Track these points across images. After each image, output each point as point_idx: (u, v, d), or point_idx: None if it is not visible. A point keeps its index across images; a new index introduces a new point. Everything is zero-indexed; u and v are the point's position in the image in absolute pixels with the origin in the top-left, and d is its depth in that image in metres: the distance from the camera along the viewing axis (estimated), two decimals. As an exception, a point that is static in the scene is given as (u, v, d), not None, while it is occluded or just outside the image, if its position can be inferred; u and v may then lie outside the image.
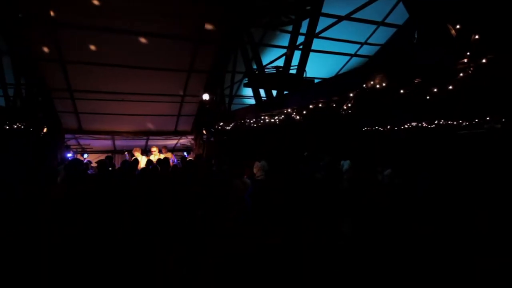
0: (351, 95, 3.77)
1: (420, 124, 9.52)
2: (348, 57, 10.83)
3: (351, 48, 10.59)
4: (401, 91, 3.24)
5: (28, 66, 8.31)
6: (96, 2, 7.15)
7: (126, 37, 8.21)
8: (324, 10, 7.36)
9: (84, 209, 4.25)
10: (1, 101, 8.06)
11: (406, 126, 10.01)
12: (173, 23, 8.08)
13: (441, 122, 8.53)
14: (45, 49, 8.10)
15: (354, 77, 3.70)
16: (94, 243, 3.50)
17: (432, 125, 8.67)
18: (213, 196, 5.12)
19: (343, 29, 9.24)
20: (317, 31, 7.20)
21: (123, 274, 3.20)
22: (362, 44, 10.34)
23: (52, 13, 7.17)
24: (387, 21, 9.46)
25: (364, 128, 11.62)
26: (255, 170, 8.32)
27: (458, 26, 2.49)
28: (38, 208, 3.87)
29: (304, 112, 5.03)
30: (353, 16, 8.02)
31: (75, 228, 3.73)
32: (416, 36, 2.96)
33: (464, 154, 8.67)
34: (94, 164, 10.92)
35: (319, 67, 10.83)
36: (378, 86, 3.22)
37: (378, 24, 9.54)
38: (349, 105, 3.89)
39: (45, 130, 8.46)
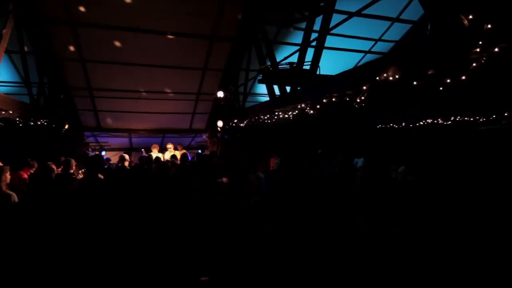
0: (364, 88, 3.82)
1: (435, 121, 9.41)
2: (362, 54, 10.80)
3: (365, 45, 10.56)
4: (414, 82, 3.28)
5: (51, 66, 8.63)
6: (114, 5, 7.40)
7: (143, 36, 8.42)
8: (338, 7, 7.43)
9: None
10: (26, 98, 8.42)
11: (421, 123, 9.91)
12: (188, 21, 8.25)
13: (457, 119, 8.41)
14: (67, 49, 8.40)
15: (368, 71, 3.74)
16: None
17: (448, 121, 8.56)
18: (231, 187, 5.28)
19: (357, 26, 9.25)
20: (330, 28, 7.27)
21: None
22: (376, 41, 10.30)
23: (73, 14, 7.45)
24: (401, 17, 9.40)
25: (378, 125, 11.56)
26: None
27: (470, 17, 2.53)
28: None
29: (318, 106, 5.10)
30: (367, 12, 8.07)
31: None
32: (429, 28, 2.99)
33: (481, 151, 8.54)
34: (112, 161, 11.27)
35: (333, 64, 10.82)
36: (391, 78, 3.26)
37: (393, 20, 9.48)
38: (362, 98, 3.94)
39: (66, 126, 8.77)
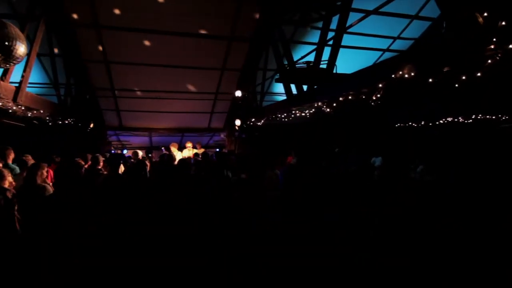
0: (380, 85, 3.87)
1: (456, 119, 9.26)
2: (380, 52, 10.73)
3: (383, 43, 10.49)
4: (430, 80, 3.31)
5: (77, 67, 9.04)
6: (136, 8, 7.69)
7: (163, 38, 8.70)
8: (355, 6, 7.44)
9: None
10: (54, 99, 8.87)
11: (441, 121, 9.77)
12: (207, 23, 8.47)
13: (479, 117, 8.26)
14: (92, 51, 8.79)
15: (383, 69, 3.77)
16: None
17: (469, 119, 8.41)
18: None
19: (375, 24, 9.22)
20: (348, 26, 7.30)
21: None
22: (394, 38, 10.21)
23: (97, 17, 7.79)
24: (421, 14, 9.30)
25: (396, 124, 11.44)
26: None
27: (485, 14, 2.56)
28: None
29: (334, 104, 5.16)
30: (384, 10, 8.05)
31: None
32: (444, 26, 3.02)
33: (504, 149, 8.35)
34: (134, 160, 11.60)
35: (351, 63, 10.79)
36: (406, 76, 3.31)
37: (412, 18, 9.39)
38: (378, 95, 3.99)
39: (91, 125, 9.16)
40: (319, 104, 5.55)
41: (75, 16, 7.74)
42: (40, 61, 9.07)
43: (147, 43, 8.83)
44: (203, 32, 8.69)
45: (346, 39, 8.82)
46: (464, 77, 3.18)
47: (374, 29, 9.54)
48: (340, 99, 4.85)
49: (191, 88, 10.82)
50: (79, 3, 7.37)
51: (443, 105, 8.00)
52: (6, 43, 4.60)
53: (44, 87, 9.83)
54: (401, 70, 3.38)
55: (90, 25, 7.99)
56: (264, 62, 9.79)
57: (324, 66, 6.30)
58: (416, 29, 10.05)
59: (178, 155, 10.12)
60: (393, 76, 3.47)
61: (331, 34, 7.11)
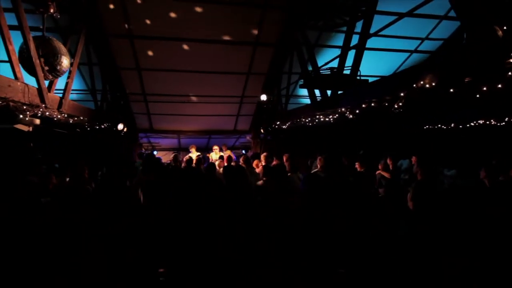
0: (402, 94, 3.93)
1: (487, 122, 8.96)
2: (408, 54, 10.56)
3: (411, 44, 10.32)
4: (451, 90, 3.34)
5: (112, 75, 9.62)
6: (165, 18, 8.10)
7: (192, 45, 9.08)
8: (380, 8, 7.40)
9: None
10: (91, 104, 9.50)
11: (472, 124, 9.48)
12: (233, 29, 8.76)
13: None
14: (125, 59, 9.32)
15: (405, 77, 3.81)
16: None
17: (502, 122, 8.14)
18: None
19: (402, 25, 9.08)
20: (374, 29, 7.29)
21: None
22: (422, 39, 10.02)
23: (131, 28, 8.28)
24: (450, 14, 9.07)
25: (425, 126, 11.19)
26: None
27: (504, 27, 2.59)
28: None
29: (357, 111, 5.24)
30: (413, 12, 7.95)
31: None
32: (465, 37, 3.04)
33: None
34: (163, 161, 12.19)
35: (377, 64, 10.72)
36: (427, 85, 3.36)
37: (440, 18, 9.18)
38: (400, 104, 4.04)
39: (125, 129, 9.71)
40: (343, 110, 5.64)
41: (111, 28, 8.27)
42: (79, 69, 9.72)
43: (176, 50, 9.24)
44: (229, 38, 8.98)
45: (373, 41, 8.79)
46: (485, 88, 3.20)
47: (402, 30, 9.40)
48: (363, 106, 4.93)
49: (218, 92, 11.16)
50: (115, 16, 7.87)
51: (478, 109, 7.79)
52: (52, 58, 5.07)
53: (82, 93, 10.54)
54: (422, 79, 3.44)
55: (124, 35, 8.49)
56: (289, 65, 9.94)
57: (348, 72, 6.37)
58: (445, 29, 9.80)
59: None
60: (414, 85, 3.53)
61: (356, 38, 7.16)
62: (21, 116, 4.24)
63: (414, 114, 6.15)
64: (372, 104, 4.71)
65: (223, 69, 10.13)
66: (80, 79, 10.08)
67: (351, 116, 5.56)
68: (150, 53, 9.28)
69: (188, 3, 7.88)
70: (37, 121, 4.70)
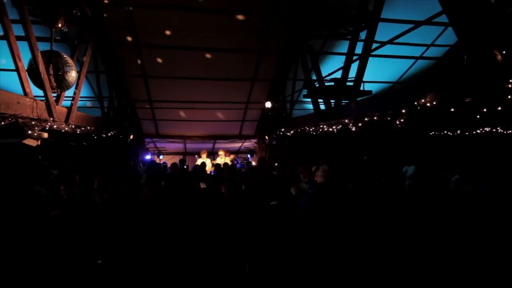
0: (403, 111, 3.95)
1: (494, 129, 8.88)
2: (413, 60, 10.52)
3: (416, 50, 10.27)
4: (452, 109, 3.36)
5: (119, 82, 9.76)
6: (171, 27, 8.21)
7: (197, 53, 9.18)
8: (385, 15, 7.37)
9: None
10: (98, 110, 9.67)
11: (478, 131, 9.39)
12: (238, 37, 8.82)
13: (519, 128, 7.89)
14: (131, 67, 9.47)
15: (407, 94, 3.83)
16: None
17: (508, 130, 8.06)
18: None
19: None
20: (380, 36, 7.30)
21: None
22: (428, 46, 9.97)
23: (137, 37, 8.40)
24: (456, 21, 9.01)
25: (431, 132, 11.11)
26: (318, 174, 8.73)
27: (504, 52, 2.61)
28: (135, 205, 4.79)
29: (360, 124, 5.27)
30: (419, 19, 7.91)
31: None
32: (465, 58, 3.05)
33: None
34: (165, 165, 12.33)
35: (383, 71, 10.70)
36: (428, 104, 3.38)
37: (447, 25, 9.13)
38: (402, 120, 4.06)
39: (131, 137, 9.85)
40: (346, 121, 5.68)
41: (117, 37, 8.40)
42: (86, 77, 9.87)
43: (181, 58, 9.35)
44: (234, 46, 9.05)
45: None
46: (485, 110, 3.21)
47: (407, 37, 9.35)
48: (366, 119, 4.96)
49: (224, 98, 11.24)
50: (122, 25, 8.00)
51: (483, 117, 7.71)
52: (60, 72, 5.19)
53: (89, 100, 10.71)
54: (423, 98, 3.46)
55: (130, 44, 8.62)
56: (294, 72, 9.98)
57: (352, 82, 6.40)
58: (451, 35, 9.73)
59: (207, 162, 10.66)
60: (415, 103, 3.55)
61: (360, 45, 7.16)
62: (29, 132, 4.36)
63: (417, 130, 6.13)
64: (375, 118, 4.74)
65: (228, 76, 10.21)
66: (87, 86, 10.23)
67: (354, 129, 5.59)
68: (156, 61, 9.40)
69: (193, 13, 7.96)
70: (45, 135, 4.82)
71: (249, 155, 15.78)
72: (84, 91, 10.27)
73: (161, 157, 15.51)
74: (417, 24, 7.95)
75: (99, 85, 9.21)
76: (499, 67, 2.64)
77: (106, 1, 7.10)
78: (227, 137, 13.80)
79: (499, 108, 3.03)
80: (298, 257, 3.77)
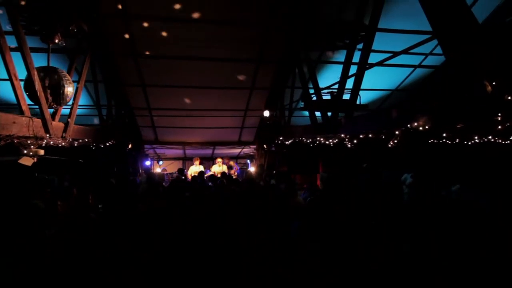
0: (397, 132, 3.96)
1: (494, 140, 8.85)
2: (411, 69, 10.50)
3: (415, 59, 10.25)
4: (444, 134, 3.37)
5: (117, 91, 9.80)
6: (171, 36, 8.23)
7: (195, 62, 9.20)
8: (382, 25, 7.36)
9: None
10: (97, 118, 9.71)
11: (477, 140, 9.36)
12: (236, 47, 8.83)
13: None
14: (130, 76, 9.50)
15: (401, 115, 3.84)
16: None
17: (507, 141, 8.03)
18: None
19: (406, 40, 9.05)
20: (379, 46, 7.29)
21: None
22: (426, 55, 9.95)
23: (135, 47, 8.43)
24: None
25: (430, 140, 11.08)
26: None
27: (493, 83, 2.61)
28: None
29: (355, 141, 5.28)
30: (417, 29, 7.92)
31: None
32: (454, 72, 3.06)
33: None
34: (165, 171, 12.41)
35: (381, 78, 10.68)
36: (421, 128, 3.39)
37: (445, 34, 9.11)
38: (396, 141, 4.07)
39: (130, 146, 9.88)
40: (342, 136, 5.69)
41: (116, 47, 8.43)
42: (85, 86, 9.90)
43: (180, 67, 9.38)
44: (232, 56, 9.07)
45: (377, 57, 8.82)
46: (476, 138, 3.22)
47: (405, 44, 9.36)
48: (361, 136, 4.97)
49: (222, 106, 11.26)
50: (120, 36, 8.02)
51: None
52: (57, 89, 5.21)
53: (87, 108, 10.74)
54: (416, 121, 3.47)
55: (129, 54, 8.65)
56: (292, 80, 9.99)
57: (349, 94, 6.41)
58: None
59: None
60: (408, 126, 3.56)
61: (357, 54, 7.15)
62: (25, 151, 4.38)
63: (410, 150, 6.14)
64: (370, 135, 4.75)
65: (227, 84, 10.24)
66: (86, 94, 10.26)
67: (349, 145, 5.61)
68: (155, 70, 9.43)
69: (191, 24, 7.99)
70: (41, 152, 4.84)
71: (248, 161, 15.80)
72: (83, 99, 10.31)
73: (160, 162, 15.55)
74: (416, 33, 8.00)
75: (97, 93, 9.23)
76: (488, 98, 2.64)
77: (103, 13, 7.13)
78: (226, 143, 13.83)
79: (490, 137, 3.04)
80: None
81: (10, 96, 5.79)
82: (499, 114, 2.56)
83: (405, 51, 5.15)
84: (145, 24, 7.82)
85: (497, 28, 3.17)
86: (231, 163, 12.56)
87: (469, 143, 9.23)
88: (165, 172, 12.62)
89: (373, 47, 6.87)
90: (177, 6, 7.41)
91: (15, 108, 5.20)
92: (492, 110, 2.62)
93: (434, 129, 3.38)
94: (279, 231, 4.45)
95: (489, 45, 2.74)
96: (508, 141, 8.52)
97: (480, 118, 2.83)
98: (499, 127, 2.78)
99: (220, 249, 4.16)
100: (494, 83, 2.65)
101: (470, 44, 2.87)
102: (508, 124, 2.68)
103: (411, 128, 3.57)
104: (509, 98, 2.45)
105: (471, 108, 2.86)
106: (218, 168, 11.61)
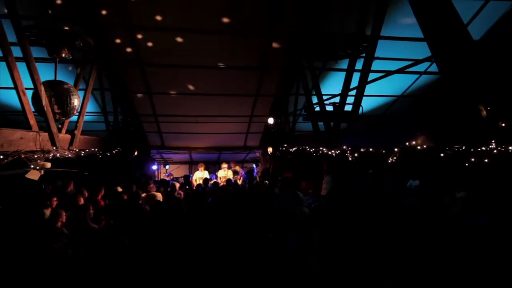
0: (396, 150, 3.97)
1: (500, 148, 8.73)
2: (417, 76, 10.42)
3: (420, 65, 10.17)
4: (441, 154, 3.37)
5: (124, 98, 9.96)
6: (176, 46, 8.34)
7: (201, 70, 9.30)
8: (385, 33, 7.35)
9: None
10: (103, 125, 9.89)
11: (483, 148, 9.25)
12: (241, 55, 8.91)
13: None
14: (136, 84, 9.65)
15: (401, 131, 3.86)
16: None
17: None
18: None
19: (410, 47, 9.00)
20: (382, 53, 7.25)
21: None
22: (432, 61, 9.86)
23: (141, 56, 8.57)
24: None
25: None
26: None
27: (488, 108, 2.61)
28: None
29: (356, 154, 5.30)
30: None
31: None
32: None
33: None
34: (171, 176, 12.55)
35: (387, 84, 10.61)
36: (419, 147, 3.40)
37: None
38: (395, 158, 4.09)
39: (136, 153, 10.02)
40: (344, 148, 5.71)
41: (122, 57, 8.57)
42: (92, 93, 10.08)
43: (185, 75, 9.49)
44: (237, 64, 9.15)
45: (381, 64, 8.78)
46: (473, 159, 3.22)
47: (409, 52, 9.31)
48: (362, 150, 4.99)
49: (228, 112, 11.35)
50: (125, 47, 8.16)
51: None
52: (63, 102, 5.34)
53: (94, 115, 10.92)
54: (414, 140, 3.49)
55: (135, 63, 8.79)
56: (296, 87, 10.02)
57: (351, 105, 6.42)
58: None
59: (201, 175, 10.84)
60: (407, 144, 3.58)
61: (360, 62, 7.15)
62: (32, 166, 4.51)
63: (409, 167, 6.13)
64: (371, 150, 4.77)
65: (232, 91, 10.32)
66: (93, 101, 10.45)
67: (350, 158, 5.63)
68: (161, 78, 9.56)
69: (196, 34, 8.09)
70: (48, 165, 4.97)
71: (254, 165, 15.84)
72: (90, 106, 10.50)
73: (167, 166, 15.70)
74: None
75: (104, 101, 9.41)
76: (483, 123, 2.65)
77: (108, 24, 7.26)
78: (231, 148, 13.93)
79: (486, 160, 3.04)
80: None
81: (15, 102, 5.89)
82: (493, 140, 2.57)
83: (401, 70, 5.07)
84: (151, 34, 7.95)
85: (492, 48, 3.16)
86: (237, 168, 12.58)
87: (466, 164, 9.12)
88: (171, 178, 12.72)
89: (377, 54, 6.96)
90: (182, 17, 7.53)
91: (19, 114, 5.29)
92: (486, 136, 2.63)
93: (432, 148, 3.39)
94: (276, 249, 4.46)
95: (485, 67, 2.75)
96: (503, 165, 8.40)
97: (474, 143, 2.84)
98: (495, 151, 2.78)
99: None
100: (489, 108, 2.66)
101: (465, 65, 2.88)
102: (503, 149, 2.69)
103: (409, 147, 3.59)
104: (503, 125, 2.46)
105: (466, 132, 2.87)
106: (223, 173, 11.69)
